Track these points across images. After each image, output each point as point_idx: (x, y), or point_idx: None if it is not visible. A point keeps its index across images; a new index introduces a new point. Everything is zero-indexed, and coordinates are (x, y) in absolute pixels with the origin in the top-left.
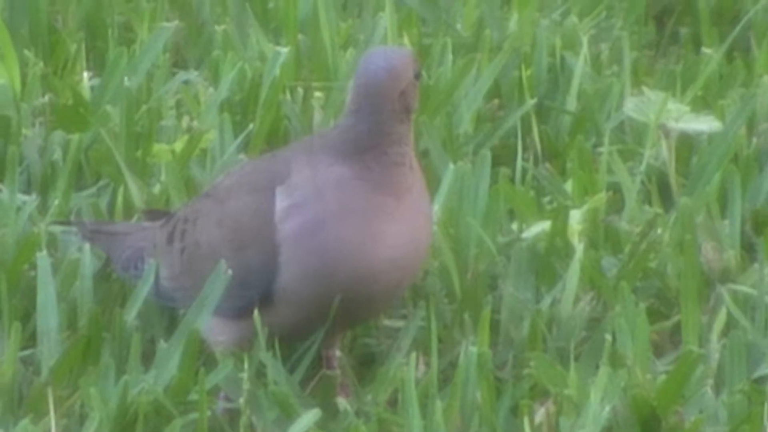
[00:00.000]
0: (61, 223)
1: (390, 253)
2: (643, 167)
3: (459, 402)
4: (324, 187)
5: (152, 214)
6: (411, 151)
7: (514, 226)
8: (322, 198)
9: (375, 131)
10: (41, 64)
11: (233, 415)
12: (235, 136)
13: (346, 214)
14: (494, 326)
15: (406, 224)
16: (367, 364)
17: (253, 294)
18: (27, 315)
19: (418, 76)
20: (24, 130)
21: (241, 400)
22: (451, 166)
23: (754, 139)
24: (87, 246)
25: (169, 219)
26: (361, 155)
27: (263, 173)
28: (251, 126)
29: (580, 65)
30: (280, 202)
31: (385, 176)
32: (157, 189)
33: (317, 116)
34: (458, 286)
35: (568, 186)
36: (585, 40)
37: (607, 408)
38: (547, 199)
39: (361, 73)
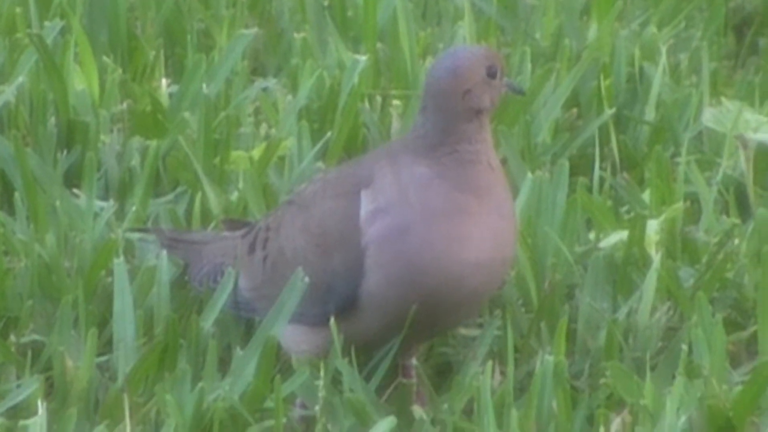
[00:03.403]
0: (139, 230)
1: (475, 255)
2: (720, 177)
3: (535, 411)
4: (407, 188)
5: (231, 223)
6: (488, 151)
7: (592, 235)
8: (405, 200)
9: (440, 129)
10: (120, 70)
11: (309, 422)
12: (313, 144)
13: (430, 216)
14: (571, 336)
15: (490, 226)
16: (443, 373)
17: (337, 299)
18: (104, 321)
19: (494, 74)
20: (102, 137)
21: (317, 408)
22: (529, 175)
23: None
24: (164, 253)
25: (250, 229)
26: (434, 152)
27: (348, 178)
28: (329, 134)
29: (658, 75)
30: (366, 206)
31: (460, 174)
32: (234, 196)
33: (395, 124)
34: (535, 295)
35: (646, 196)
36: (664, 50)
37: (683, 418)
38: (624, 208)
39: (428, 72)
